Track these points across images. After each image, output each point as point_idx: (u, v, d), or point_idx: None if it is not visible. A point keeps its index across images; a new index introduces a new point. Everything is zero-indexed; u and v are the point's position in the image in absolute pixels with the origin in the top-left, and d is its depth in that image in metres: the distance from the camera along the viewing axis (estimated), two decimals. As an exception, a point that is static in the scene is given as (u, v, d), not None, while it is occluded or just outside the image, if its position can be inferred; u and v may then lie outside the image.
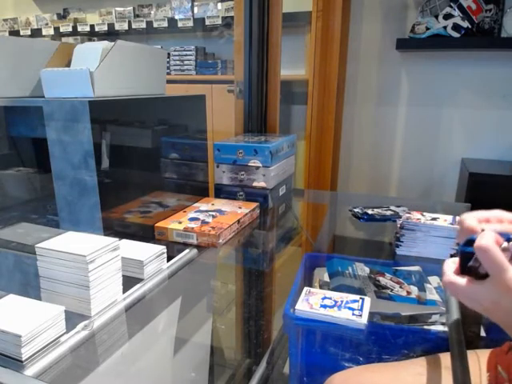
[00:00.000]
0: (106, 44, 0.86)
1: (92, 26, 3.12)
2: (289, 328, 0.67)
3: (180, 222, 0.94)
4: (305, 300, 0.66)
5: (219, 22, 2.69)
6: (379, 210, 1.15)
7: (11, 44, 0.86)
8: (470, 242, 0.43)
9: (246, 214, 1.02)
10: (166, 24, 2.87)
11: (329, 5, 1.85)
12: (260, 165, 1.14)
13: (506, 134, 1.92)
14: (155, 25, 2.91)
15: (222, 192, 1.19)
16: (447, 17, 1.76)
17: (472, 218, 0.47)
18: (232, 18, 2.50)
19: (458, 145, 2.01)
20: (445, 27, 1.76)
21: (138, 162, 0.90)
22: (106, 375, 0.61)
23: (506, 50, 1.81)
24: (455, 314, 0.58)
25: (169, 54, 2.84)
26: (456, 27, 1.75)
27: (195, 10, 2.80)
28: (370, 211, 1.15)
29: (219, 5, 2.69)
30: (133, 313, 0.66)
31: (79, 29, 3.17)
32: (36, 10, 3.49)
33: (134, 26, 2.99)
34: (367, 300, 0.66)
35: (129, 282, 0.69)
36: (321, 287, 0.78)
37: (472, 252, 0.43)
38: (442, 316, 0.67)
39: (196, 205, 1.08)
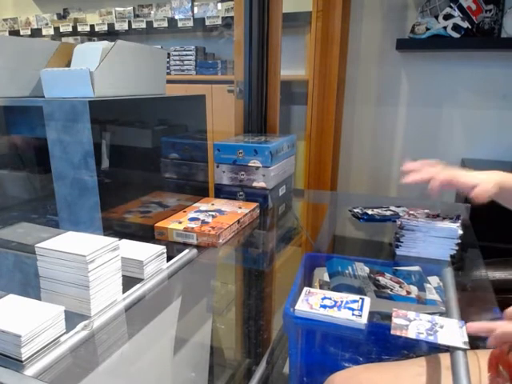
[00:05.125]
0: (106, 44, 0.86)
1: (92, 26, 3.12)
2: (289, 328, 0.67)
3: (180, 222, 0.94)
4: (305, 300, 0.66)
5: (219, 22, 2.69)
6: (379, 210, 1.15)
7: (11, 44, 0.86)
8: None
9: (246, 214, 1.03)
10: (165, 24, 2.87)
11: (329, 5, 1.85)
12: (260, 165, 1.14)
13: (506, 134, 1.92)
14: (155, 25, 2.91)
15: (221, 192, 1.19)
16: (447, 17, 1.76)
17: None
18: (232, 18, 2.50)
19: (458, 145, 2.01)
20: (445, 27, 1.77)
21: (138, 162, 0.90)
22: (106, 375, 0.61)
23: (505, 50, 1.81)
24: (455, 314, 0.58)
25: (169, 54, 2.84)
26: (456, 27, 1.75)
27: (195, 10, 2.80)
28: (369, 211, 1.15)
29: (219, 5, 2.69)
30: (133, 313, 0.66)
31: (79, 29, 3.17)
32: (36, 10, 3.49)
33: (134, 26, 2.99)
34: (367, 300, 0.66)
35: (129, 282, 0.69)
36: (321, 287, 0.78)
37: None
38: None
39: (196, 205, 1.08)
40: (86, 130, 0.74)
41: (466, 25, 1.74)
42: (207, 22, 2.73)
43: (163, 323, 0.78)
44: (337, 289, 0.73)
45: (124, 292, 0.67)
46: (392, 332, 0.58)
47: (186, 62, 2.84)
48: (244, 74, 1.47)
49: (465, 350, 0.54)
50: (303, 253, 0.96)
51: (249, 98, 1.48)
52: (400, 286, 0.75)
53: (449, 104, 1.98)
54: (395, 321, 0.60)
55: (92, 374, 0.57)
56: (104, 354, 0.59)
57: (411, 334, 0.57)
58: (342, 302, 0.65)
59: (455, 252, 0.85)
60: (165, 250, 0.77)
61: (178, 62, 2.85)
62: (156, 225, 0.93)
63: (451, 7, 1.75)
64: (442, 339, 0.56)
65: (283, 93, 1.56)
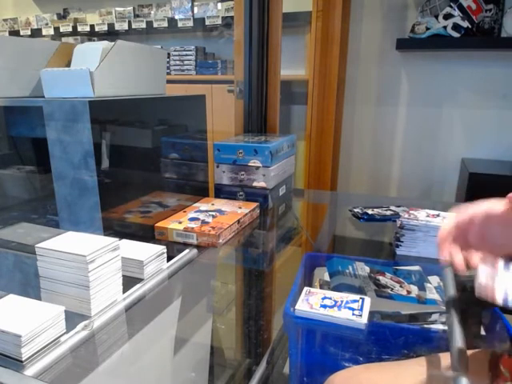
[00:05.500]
0: (106, 44, 0.86)
1: (92, 26, 3.12)
2: (289, 328, 0.67)
3: (180, 222, 0.94)
4: (305, 300, 0.66)
5: (219, 22, 2.69)
6: (379, 210, 1.15)
7: (11, 44, 0.86)
8: None
9: (246, 214, 1.02)
10: (165, 24, 2.87)
11: (329, 5, 1.85)
12: (260, 165, 1.14)
13: (506, 134, 1.92)
14: (155, 25, 2.91)
15: (222, 192, 1.19)
16: (447, 17, 1.76)
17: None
18: (232, 17, 2.50)
19: (458, 145, 2.01)
20: (445, 27, 1.77)
21: (138, 162, 0.90)
22: (106, 375, 0.61)
23: (506, 50, 1.81)
24: (455, 314, 0.58)
25: (169, 54, 2.84)
26: (456, 27, 1.75)
27: (195, 9, 2.80)
28: (370, 211, 1.15)
29: (219, 5, 2.69)
30: (133, 313, 0.66)
31: (79, 29, 3.17)
32: (36, 10, 3.49)
33: (134, 26, 2.99)
34: (367, 300, 0.66)
35: (129, 282, 0.69)
36: (321, 286, 0.78)
37: None
38: (441, 315, 0.67)
39: (196, 205, 1.08)
40: (86, 130, 0.74)
41: (465, 24, 1.74)
42: (207, 22, 2.72)
43: (163, 323, 0.78)
44: (337, 288, 0.73)
45: (124, 292, 0.67)
46: (476, 294, 0.48)
47: (186, 62, 2.84)
48: (244, 73, 1.47)
49: (465, 350, 0.53)
50: (303, 253, 0.96)
51: (249, 97, 1.48)
52: (400, 286, 0.75)
53: (449, 104, 1.98)
54: (481, 279, 0.48)
55: (92, 374, 0.57)
56: (104, 354, 0.59)
57: (499, 296, 0.45)
58: (342, 301, 0.65)
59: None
60: (165, 250, 0.77)
61: (178, 62, 2.85)
62: (156, 225, 0.93)
63: (451, 7, 1.75)
64: None
65: (283, 93, 1.56)
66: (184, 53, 2.83)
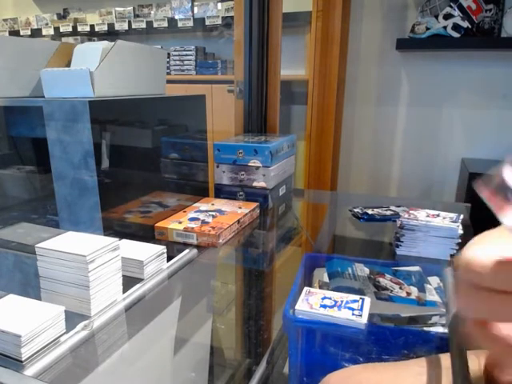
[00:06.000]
0: (106, 44, 0.86)
1: (92, 26, 3.12)
2: (289, 328, 0.67)
3: (180, 222, 0.94)
4: (305, 300, 0.66)
5: (219, 22, 2.69)
6: (379, 210, 1.15)
7: (11, 44, 0.86)
8: None
9: (246, 214, 1.02)
10: (165, 24, 2.87)
11: (329, 5, 1.85)
12: (260, 165, 1.14)
13: (506, 134, 1.92)
14: (155, 25, 2.91)
15: (222, 192, 1.19)
16: (447, 17, 1.76)
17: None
18: (232, 18, 2.50)
19: (458, 145, 2.01)
20: (445, 27, 1.77)
21: (138, 162, 0.90)
22: (106, 375, 0.61)
23: (506, 50, 1.81)
24: (455, 314, 0.58)
25: (169, 54, 2.84)
26: (456, 27, 1.75)
27: (195, 9, 2.80)
28: (370, 211, 1.15)
29: (219, 5, 2.69)
30: (133, 313, 0.66)
31: (79, 29, 3.17)
32: (36, 10, 3.49)
33: (134, 26, 2.99)
34: (367, 300, 0.66)
35: (129, 282, 0.69)
36: (320, 288, 0.78)
37: None
38: (441, 317, 0.67)
39: (196, 205, 1.08)
40: (86, 130, 0.74)
41: (465, 24, 1.74)
42: (207, 22, 2.73)
43: (163, 323, 0.78)
44: (336, 290, 0.73)
45: (124, 292, 0.67)
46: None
47: (186, 62, 2.84)
48: (244, 73, 1.47)
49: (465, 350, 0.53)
50: (303, 253, 0.96)
51: (249, 97, 1.48)
52: (400, 288, 0.75)
53: (449, 104, 1.98)
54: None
55: (92, 374, 0.57)
56: (104, 354, 0.59)
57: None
58: (342, 301, 0.65)
59: (455, 252, 0.85)
60: (165, 250, 0.77)
61: (178, 62, 2.85)
62: (156, 225, 0.93)
63: (451, 7, 1.75)
64: None
65: (283, 93, 1.56)
66: (184, 53, 2.83)
